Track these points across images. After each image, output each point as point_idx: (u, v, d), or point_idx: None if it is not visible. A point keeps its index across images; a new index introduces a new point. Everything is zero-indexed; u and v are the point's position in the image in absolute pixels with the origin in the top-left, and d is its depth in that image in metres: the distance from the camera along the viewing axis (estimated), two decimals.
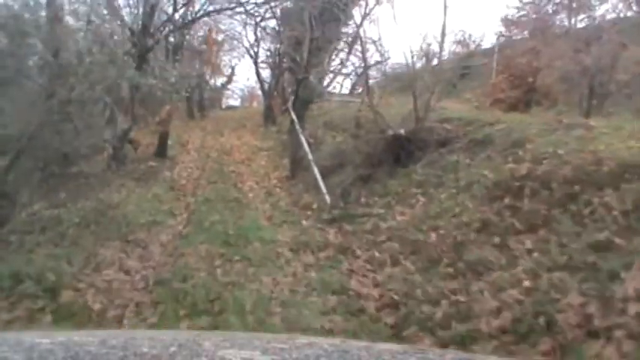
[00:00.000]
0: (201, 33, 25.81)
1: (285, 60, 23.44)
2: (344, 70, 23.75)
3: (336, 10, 17.43)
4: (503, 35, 25.28)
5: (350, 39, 22.39)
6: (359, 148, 11.74)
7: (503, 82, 16.07)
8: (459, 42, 22.78)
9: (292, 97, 17.05)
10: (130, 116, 14.25)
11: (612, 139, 7.15)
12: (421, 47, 12.74)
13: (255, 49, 25.63)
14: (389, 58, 21.53)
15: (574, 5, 23.63)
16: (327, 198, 10.54)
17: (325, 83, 22.16)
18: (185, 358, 1.24)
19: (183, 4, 17.24)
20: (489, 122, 10.02)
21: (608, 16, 20.97)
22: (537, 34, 21.14)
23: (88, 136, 12.95)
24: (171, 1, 16.76)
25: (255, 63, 25.83)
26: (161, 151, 16.66)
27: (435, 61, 12.65)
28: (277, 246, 8.39)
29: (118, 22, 14.46)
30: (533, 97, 15.48)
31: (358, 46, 19.30)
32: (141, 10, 14.94)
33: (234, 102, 39.71)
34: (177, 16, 17.64)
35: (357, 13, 18.32)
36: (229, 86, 35.48)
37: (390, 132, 10.46)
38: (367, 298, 6.12)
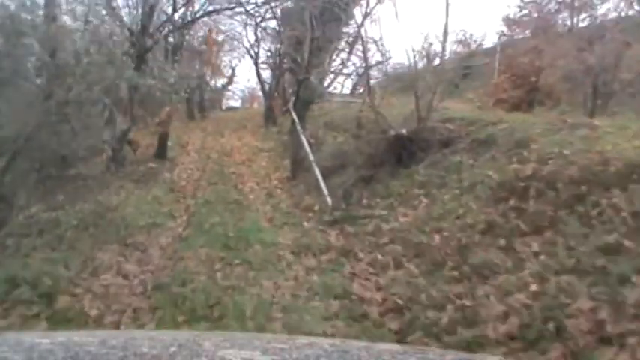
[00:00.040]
0: (201, 33, 25.77)
1: (285, 60, 23.37)
2: (345, 70, 23.70)
3: (336, 10, 17.35)
4: (504, 35, 25.17)
5: (351, 39, 22.32)
6: (360, 148, 11.63)
7: (506, 81, 15.95)
8: (460, 42, 22.70)
9: (293, 98, 16.94)
10: (129, 117, 14.14)
11: (617, 138, 7.04)
12: (423, 46, 12.59)
13: (256, 50, 25.61)
14: (390, 57, 21.41)
15: (576, 4, 23.52)
16: (329, 199, 10.42)
17: (326, 83, 22.12)
18: (185, 358, 1.25)
19: (183, 5, 17.14)
20: (492, 122, 9.90)
21: (610, 15, 20.88)
22: (539, 33, 21.03)
23: (86, 138, 12.85)
24: (171, 2, 16.65)
25: (256, 63, 25.78)
26: (161, 153, 16.55)
27: (437, 61, 12.53)
28: (278, 249, 8.26)
29: (117, 22, 14.33)
30: (536, 97, 15.36)
31: (359, 46, 19.26)
32: (140, 10, 14.83)
33: (235, 103, 39.74)
34: (176, 16, 17.58)
35: (358, 12, 18.24)
36: (230, 87, 35.45)
37: (392, 132, 10.35)
38: (370, 302, 5.99)
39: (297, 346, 1.38)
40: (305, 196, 11.67)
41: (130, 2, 15.52)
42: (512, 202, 6.71)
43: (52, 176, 12.34)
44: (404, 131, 10.24)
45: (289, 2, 21.15)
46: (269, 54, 26.73)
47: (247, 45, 26.15)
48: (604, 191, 5.87)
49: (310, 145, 13.17)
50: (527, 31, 23.83)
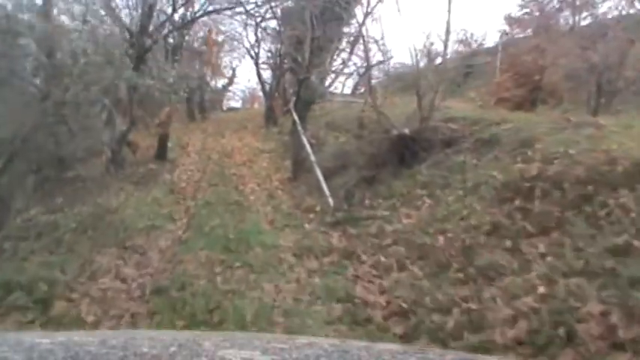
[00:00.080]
0: (201, 34, 25.66)
1: (286, 60, 23.24)
2: (346, 70, 23.61)
3: (337, 9, 17.24)
4: (506, 34, 25.05)
5: (352, 38, 22.22)
6: (362, 148, 11.53)
7: (508, 80, 15.84)
8: (461, 41, 22.61)
9: (294, 98, 16.82)
10: (129, 118, 14.02)
11: (623, 137, 6.96)
12: (425, 45, 12.50)
13: (256, 50, 25.47)
14: (391, 57, 21.33)
15: (577, 3, 23.42)
16: (330, 200, 10.31)
17: (327, 83, 22.01)
18: (185, 358, 1.24)
19: (182, 4, 17.00)
20: (495, 121, 9.80)
21: (611, 14, 20.81)
22: (541, 31, 20.92)
23: (84, 139, 12.77)
24: (170, 2, 16.52)
25: (256, 64, 25.64)
26: (161, 154, 16.43)
27: (438, 60, 12.44)
28: (279, 251, 8.15)
29: (116, 22, 14.22)
30: (539, 96, 15.24)
31: (360, 46, 19.13)
32: (139, 10, 14.71)
33: (236, 103, 39.64)
34: (176, 16, 17.45)
35: (359, 11, 18.14)
36: (230, 88, 35.38)
37: (394, 132, 10.26)
38: (374, 306, 5.88)
39: (297, 346, 1.37)
40: (306, 197, 11.55)
41: (130, 2, 15.46)
42: (517, 203, 6.61)
43: (50, 178, 12.25)
44: (406, 131, 10.14)
45: (289, 2, 21.05)
46: (269, 54, 26.67)
47: (248, 45, 26.06)
48: (612, 191, 5.77)
49: (311, 145, 13.06)
50: (529, 30, 23.71)
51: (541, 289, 4.87)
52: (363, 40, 15.52)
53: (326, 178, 11.21)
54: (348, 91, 25.60)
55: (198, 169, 15.72)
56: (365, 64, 17.34)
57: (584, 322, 4.17)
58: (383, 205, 9.06)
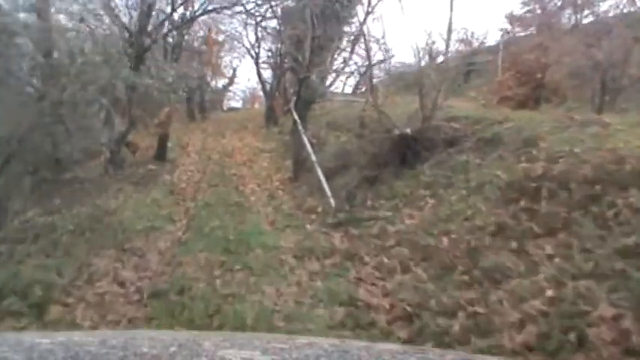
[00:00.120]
0: (201, 33, 25.58)
1: (286, 60, 23.19)
2: (347, 69, 23.54)
3: (338, 7, 17.14)
4: (508, 32, 24.95)
5: (352, 37, 22.15)
6: (364, 148, 11.41)
7: (511, 79, 15.70)
8: (462, 40, 22.53)
9: (294, 98, 16.73)
10: (128, 118, 13.89)
11: (629, 136, 6.84)
12: (427, 43, 12.39)
13: (256, 50, 25.42)
14: (393, 56, 21.24)
15: (579, 1, 23.32)
16: (332, 201, 10.19)
17: (328, 83, 21.95)
18: (185, 358, 1.23)
19: (181, 4, 16.89)
20: (498, 120, 9.68)
21: (612, 12, 20.75)
22: (544, 29, 20.83)
23: (82, 139, 12.63)
24: (170, 1, 16.40)
25: (257, 63, 25.59)
26: (160, 154, 16.35)
27: (440, 58, 12.32)
28: (280, 252, 8.03)
29: (114, 22, 14.09)
30: (542, 94, 15.12)
31: (361, 44, 19.04)
32: (138, 9, 14.60)
33: (236, 103, 39.63)
34: (175, 15, 17.34)
35: (360, 10, 18.05)
36: (231, 88, 35.38)
37: (396, 131, 10.14)
38: (377, 309, 5.75)
39: (297, 346, 1.37)
40: (307, 197, 11.44)
41: (129, 2, 15.33)
42: (522, 203, 6.48)
43: (48, 179, 12.14)
44: (408, 130, 10.02)
45: (290, 1, 20.98)
46: (270, 54, 26.62)
47: (248, 45, 26.03)
48: (620, 191, 5.64)
49: (312, 145, 12.96)
50: (532, 28, 23.61)
51: (549, 292, 4.75)
52: (364, 39, 15.43)
53: (327, 178, 11.09)
54: (349, 90, 25.55)
55: (198, 169, 15.62)
56: (366, 63, 17.27)
57: (596, 326, 4.05)
58: (385, 206, 8.94)
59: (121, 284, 7.00)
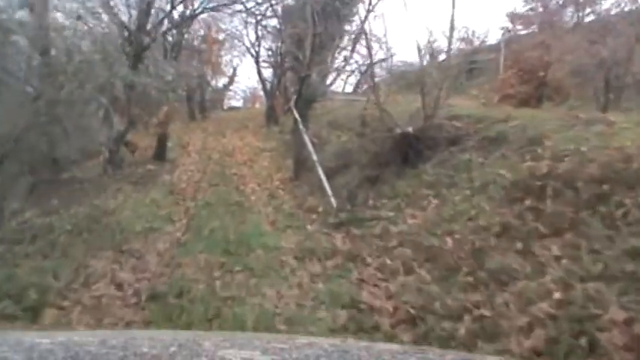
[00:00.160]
0: (201, 32, 25.52)
1: (287, 59, 23.13)
2: (348, 68, 23.47)
3: (338, 5, 17.06)
4: (509, 30, 24.85)
5: (353, 36, 22.08)
6: (365, 147, 11.32)
7: (513, 77, 15.56)
8: (462, 39, 22.48)
9: (295, 96, 16.64)
10: (127, 118, 13.78)
11: (636, 134, 6.72)
12: (429, 41, 12.29)
13: (257, 49, 25.35)
14: (394, 54, 21.17)
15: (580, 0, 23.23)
16: (333, 200, 10.09)
17: (329, 82, 21.87)
18: (185, 358, 1.24)
19: (180, 1, 16.80)
20: (501, 119, 9.55)
21: (613, 11, 20.65)
22: (546, 27, 20.73)
23: (79, 139, 12.49)
24: None
25: (257, 62, 25.52)
26: (160, 154, 16.24)
27: (442, 56, 12.23)
28: (281, 253, 7.91)
29: (113, 20, 13.98)
30: (544, 92, 15.00)
31: (362, 42, 18.92)
32: (137, 7, 14.51)
33: (237, 103, 39.66)
34: (175, 14, 17.27)
35: (361, 8, 17.96)
36: (231, 87, 35.40)
37: (398, 130, 10.04)
38: (381, 312, 5.63)
39: (297, 346, 1.38)
40: (308, 196, 11.33)
41: (128, 0, 15.23)
42: (528, 203, 6.36)
43: (46, 179, 12.01)
44: (410, 129, 9.92)
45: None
46: (270, 52, 26.54)
47: (248, 44, 25.96)
48: (628, 190, 5.53)
49: (313, 144, 12.85)
50: (534, 26, 23.51)
51: (557, 295, 4.63)
52: (366, 37, 15.31)
53: (328, 178, 10.99)
54: (349, 89, 25.49)
55: (198, 169, 15.51)
56: (367, 62, 17.20)
57: (607, 330, 3.93)
58: (387, 206, 8.84)
59: (119, 286, 6.88)
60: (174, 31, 18.08)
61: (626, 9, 19.43)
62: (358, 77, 24.73)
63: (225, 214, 10.54)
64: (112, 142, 13.38)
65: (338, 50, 22.24)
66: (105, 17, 13.59)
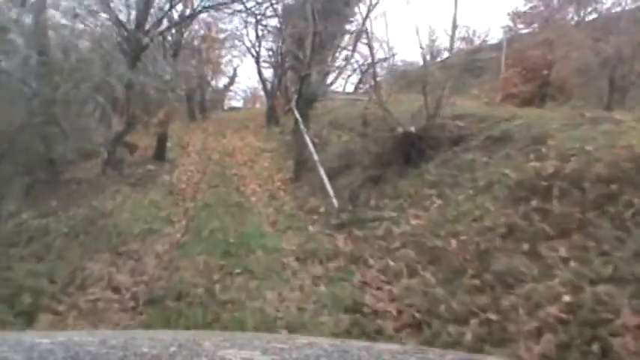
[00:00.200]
0: (201, 32, 25.45)
1: (287, 59, 23.07)
2: (348, 67, 23.42)
3: (339, 3, 16.99)
4: (511, 29, 24.77)
5: (354, 35, 22.01)
6: (367, 147, 11.22)
7: (516, 76, 15.47)
8: (463, 38, 22.44)
9: (296, 96, 16.56)
10: (125, 118, 13.65)
11: None
12: (431, 40, 12.21)
13: (257, 48, 25.32)
14: (395, 53, 21.08)
15: None
16: (335, 201, 9.98)
17: (329, 81, 21.81)
18: (185, 358, 1.23)
19: (180, 1, 16.68)
20: (505, 118, 9.46)
21: (614, 9, 20.62)
22: (548, 25, 20.64)
23: (77, 139, 12.33)
24: None
25: (257, 62, 25.51)
26: (160, 154, 16.16)
27: (445, 55, 12.17)
28: (282, 255, 7.79)
29: (109, 17, 13.85)
30: (547, 91, 14.89)
31: (364, 40, 18.84)
32: (136, 6, 14.40)
33: (237, 103, 39.77)
34: (174, 13, 17.15)
35: (362, 7, 17.91)
36: (232, 87, 35.39)
37: (400, 130, 9.92)
38: (384, 316, 5.50)
39: (297, 346, 1.37)
40: (310, 197, 11.23)
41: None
42: (533, 203, 6.22)
43: (43, 180, 11.86)
44: (412, 128, 9.81)
45: None
46: (270, 52, 26.51)
47: (248, 44, 25.93)
48: (637, 190, 5.42)
49: (314, 144, 12.76)
50: (535, 25, 23.44)
51: (566, 298, 4.49)
52: (367, 36, 15.23)
53: (330, 178, 10.88)
54: (350, 88, 25.42)
55: (198, 169, 15.44)
56: (368, 61, 17.14)
57: (620, 335, 3.80)
58: (390, 206, 8.72)
59: (116, 290, 6.72)
60: (173, 31, 17.96)
61: (627, 8, 19.40)
62: (359, 76, 24.65)
63: (225, 215, 10.42)
64: (111, 142, 13.27)
65: (339, 49, 22.19)
66: (103, 16, 13.48)
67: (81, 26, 12.01)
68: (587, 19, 22.52)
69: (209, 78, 29.36)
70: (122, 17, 14.53)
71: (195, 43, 23.15)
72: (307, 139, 12.92)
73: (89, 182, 12.31)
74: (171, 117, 16.27)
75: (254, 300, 6.12)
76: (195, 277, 6.96)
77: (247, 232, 9.11)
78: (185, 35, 19.57)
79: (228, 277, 6.97)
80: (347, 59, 23.09)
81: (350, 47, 23.13)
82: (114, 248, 8.22)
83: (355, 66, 23.63)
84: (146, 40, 13.95)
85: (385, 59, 17.72)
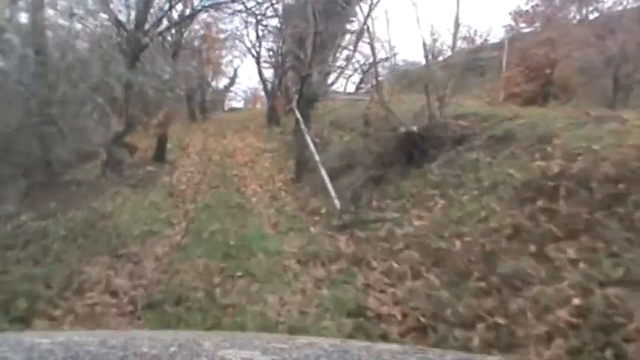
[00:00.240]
0: (201, 32, 25.38)
1: (288, 59, 23.01)
2: (350, 67, 23.35)
3: (339, 3, 16.89)
4: (512, 28, 24.70)
5: (355, 34, 21.94)
6: (368, 147, 11.12)
7: (518, 75, 15.36)
8: (465, 38, 22.38)
9: (296, 96, 16.48)
10: (125, 118, 13.56)
11: None
12: (433, 39, 12.12)
13: (257, 49, 25.29)
14: (397, 53, 21.03)
15: None
16: (337, 202, 9.90)
17: (330, 81, 21.74)
18: (185, 358, 1.24)
19: (179, 0, 16.61)
20: (508, 117, 9.35)
21: (615, 8, 20.60)
22: (549, 25, 20.58)
23: (75, 141, 12.22)
24: None
25: (258, 63, 25.47)
26: (160, 155, 16.11)
27: (448, 53, 12.08)
28: (283, 258, 7.67)
29: (109, 17, 13.76)
30: (550, 90, 14.79)
31: (364, 41, 18.76)
32: (135, 6, 14.32)
33: (237, 104, 39.81)
34: (174, 13, 17.07)
35: (364, 6, 17.79)
36: (232, 88, 35.36)
37: (402, 129, 9.84)
38: (389, 320, 5.37)
39: (297, 346, 1.38)
40: (311, 198, 11.15)
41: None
42: (540, 204, 6.10)
43: (42, 182, 11.76)
44: (414, 128, 9.72)
45: None
46: (271, 52, 26.46)
47: (249, 44, 25.89)
48: None
49: (315, 144, 12.70)
50: (537, 24, 23.39)
51: (576, 301, 4.37)
52: (369, 36, 15.12)
53: (331, 179, 10.80)
54: (351, 88, 25.35)
55: (198, 170, 15.35)
56: (369, 61, 17.06)
57: (634, 341, 3.67)
58: (392, 207, 8.61)
59: (114, 294, 6.59)
60: (173, 31, 17.88)
61: (629, 7, 19.36)
62: (361, 76, 24.58)
63: (225, 217, 10.33)
64: (110, 143, 13.17)
65: (340, 49, 22.10)
66: (103, 16, 13.39)
67: (79, 26, 11.92)
68: (589, 18, 22.48)
69: (209, 78, 29.42)
70: (122, 17, 14.50)
71: (195, 43, 23.08)
72: (308, 139, 12.86)
73: (88, 184, 12.23)
74: (171, 118, 16.24)
75: (255, 304, 6.01)
76: (196, 281, 6.85)
77: (248, 234, 9.01)
78: (185, 35, 19.47)
79: (228, 280, 6.85)
80: (348, 59, 23.02)
81: (351, 47, 23.06)
82: (113, 251, 8.11)
83: (356, 66, 23.62)
84: (145, 40, 13.88)
85: (387, 59, 17.67)
